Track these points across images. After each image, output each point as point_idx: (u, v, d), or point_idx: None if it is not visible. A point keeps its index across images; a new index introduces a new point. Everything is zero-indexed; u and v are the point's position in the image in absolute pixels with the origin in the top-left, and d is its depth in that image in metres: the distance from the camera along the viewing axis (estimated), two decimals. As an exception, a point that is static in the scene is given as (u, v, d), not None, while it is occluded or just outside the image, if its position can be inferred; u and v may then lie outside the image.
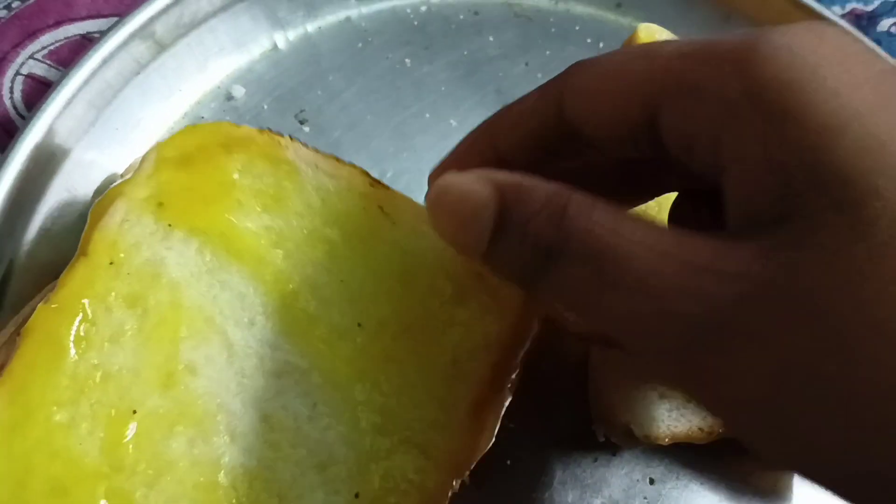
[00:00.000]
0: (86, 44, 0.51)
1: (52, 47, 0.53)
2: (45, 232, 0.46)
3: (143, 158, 0.40)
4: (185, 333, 0.37)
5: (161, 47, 0.51)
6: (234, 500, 0.35)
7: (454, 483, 0.37)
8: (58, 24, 0.53)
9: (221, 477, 0.36)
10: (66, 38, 0.53)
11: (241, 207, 0.39)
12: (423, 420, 0.38)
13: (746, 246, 0.25)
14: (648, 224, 0.27)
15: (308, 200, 0.40)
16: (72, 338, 0.36)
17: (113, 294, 0.37)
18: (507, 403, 0.39)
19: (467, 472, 0.38)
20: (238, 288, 0.38)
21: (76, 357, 0.36)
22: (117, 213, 0.38)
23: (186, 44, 0.52)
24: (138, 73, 0.51)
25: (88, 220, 0.39)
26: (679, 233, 0.27)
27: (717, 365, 0.26)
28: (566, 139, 0.32)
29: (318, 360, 0.37)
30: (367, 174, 0.41)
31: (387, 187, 0.41)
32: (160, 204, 0.39)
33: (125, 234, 0.38)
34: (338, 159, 0.40)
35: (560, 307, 0.31)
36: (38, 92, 0.50)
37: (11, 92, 0.51)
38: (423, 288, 0.40)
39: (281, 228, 0.39)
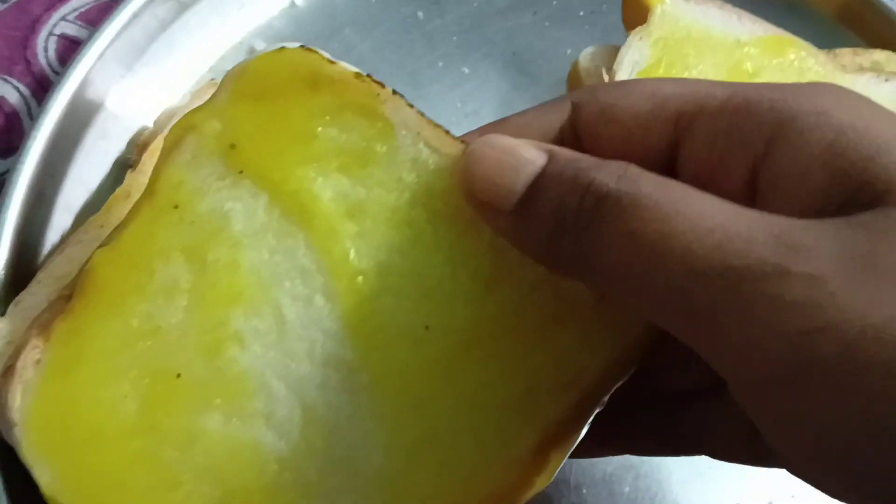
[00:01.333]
0: (113, 5, 0.53)
1: (82, 9, 0.56)
2: (80, 177, 0.49)
3: (221, 83, 0.36)
4: (239, 300, 0.35)
5: (183, 6, 0.55)
6: (259, 484, 0.34)
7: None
8: (86, -14, 0.56)
9: (250, 458, 0.34)
10: (94, 1, 0.56)
11: (319, 164, 0.35)
12: (475, 450, 0.35)
13: (823, 225, 0.25)
14: (712, 196, 0.26)
15: (399, 173, 0.35)
16: (129, 285, 0.35)
17: (173, 243, 0.35)
18: (577, 443, 0.36)
19: None
20: (302, 260, 0.35)
21: (131, 306, 0.35)
22: (187, 151, 0.36)
23: (208, 3, 0.56)
24: (163, 31, 0.54)
25: (161, 152, 0.36)
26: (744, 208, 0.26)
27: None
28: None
29: (371, 360, 0.35)
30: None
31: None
32: (232, 146, 0.35)
33: (193, 175, 0.35)
34: (448, 132, 0.35)
35: (593, 281, 0.30)
36: (70, 50, 0.54)
37: (46, 51, 0.54)
38: (513, 301, 0.34)
39: (361, 199, 0.35)
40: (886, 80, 0.53)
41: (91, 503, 0.34)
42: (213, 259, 0.35)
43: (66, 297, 0.36)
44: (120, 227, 0.36)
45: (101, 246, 0.36)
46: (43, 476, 0.34)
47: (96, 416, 0.34)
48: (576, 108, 0.32)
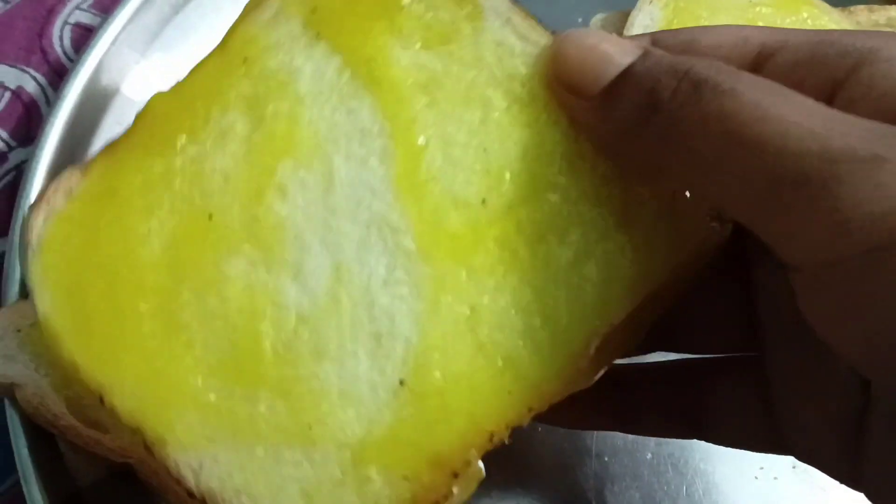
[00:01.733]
0: (126, -8, 0.54)
1: (95, -2, 0.56)
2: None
3: None
4: (291, 152, 0.34)
5: (196, -9, 0.55)
6: (271, 338, 0.32)
7: (528, 412, 0.32)
8: (100, -25, 0.57)
9: (268, 310, 0.33)
10: (108, -11, 0.57)
11: (400, 36, 0.35)
12: (518, 333, 0.32)
13: None
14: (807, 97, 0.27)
15: (482, 53, 0.34)
16: (180, 127, 0.34)
17: (235, 93, 0.35)
18: (625, 350, 0.34)
19: (536, 412, 0.32)
20: (364, 122, 0.34)
21: (177, 147, 0.34)
22: (268, 10, 0.36)
23: (221, -15, 0.56)
24: (176, 15, 0.54)
25: (242, 11, 0.37)
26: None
27: None
28: None
29: (419, 225, 0.33)
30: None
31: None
32: (314, 10, 0.35)
33: (268, 33, 0.36)
34: (539, 23, 0.35)
35: (674, 169, 0.29)
36: (85, 38, 0.54)
37: (62, 40, 0.55)
38: (577, 194, 0.33)
39: (437, 73, 0.34)
40: (903, 37, 0.52)
41: (85, 329, 0.33)
42: (273, 112, 0.34)
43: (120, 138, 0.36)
44: (184, 78, 0.36)
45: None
46: (43, 300, 0.33)
47: (117, 246, 0.33)
48: (655, 42, 0.33)
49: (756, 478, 0.47)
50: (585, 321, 0.32)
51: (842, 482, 0.32)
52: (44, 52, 0.55)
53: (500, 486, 0.46)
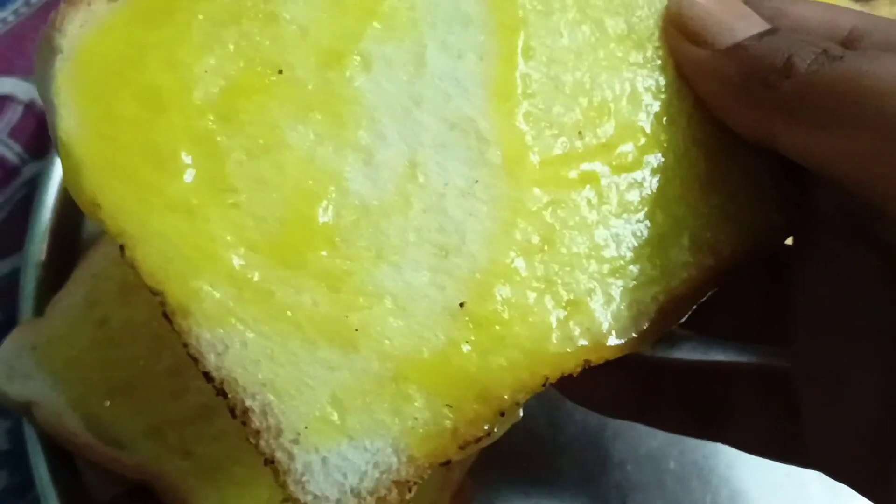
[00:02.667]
0: None
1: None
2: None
3: None
4: (383, 19, 0.30)
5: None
6: (327, 224, 0.29)
7: (583, 363, 0.30)
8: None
9: (329, 192, 0.29)
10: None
11: None
12: (589, 278, 0.30)
13: None
14: None
15: None
16: None
17: None
18: (699, 302, 0.33)
19: (589, 365, 0.30)
20: (468, 9, 0.31)
21: None
22: None
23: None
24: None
25: None
26: None
27: None
28: None
29: (508, 140, 0.30)
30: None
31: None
32: None
33: None
34: None
35: (793, 130, 0.29)
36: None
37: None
38: (669, 146, 0.32)
39: None
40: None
41: (113, 162, 0.28)
42: None
43: None
44: None
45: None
46: (67, 118, 0.28)
47: (165, 77, 0.28)
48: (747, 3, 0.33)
49: (782, 485, 0.46)
50: (653, 281, 0.31)
51: (869, 498, 0.32)
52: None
53: (522, 497, 0.45)
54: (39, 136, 0.52)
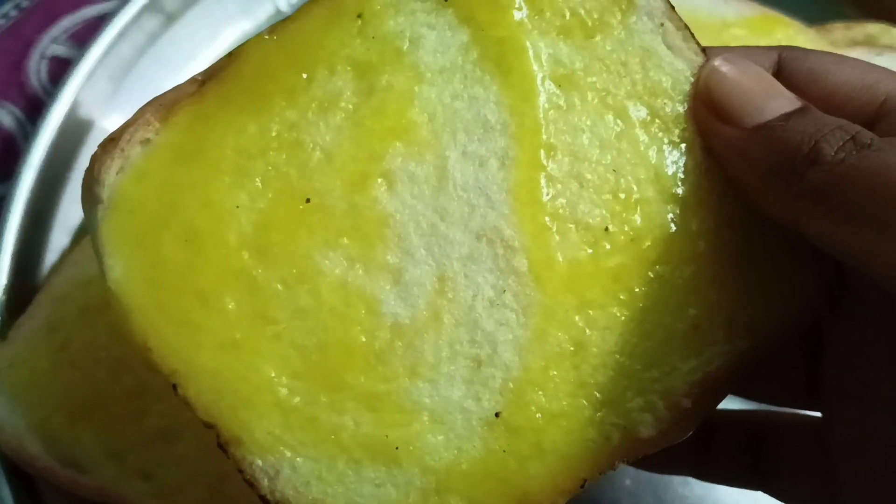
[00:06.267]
0: (102, 23, 0.54)
1: (73, 29, 0.56)
2: (77, 197, 0.49)
3: None
4: (402, 137, 0.31)
5: (171, 20, 0.54)
6: (363, 346, 0.30)
7: (615, 465, 0.31)
8: (77, 7, 0.57)
9: (362, 315, 0.30)
10: (84, 21, 0.57)
11: (540, 19, 0.31)
12: (622, 376, 0.31)
13: None
14: None
15: (626, 58, 0.32)
16: (281, 85, 0.30)
17: (345, 54, 0.31)
18: (718, 402, 0.33)
19: (632, 459, 0.31)
20: (488, 116, 0.31)
21: (276, 109, 0.30)
22: None
23: (195, 15, 0.55)
24: (152, 46, 0.54)
25: None
26: None
27: None
28: None
29: (535, 245, 0.31)
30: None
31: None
32: None
33: None
34: (692, 35, 0.32)
35: (818, 216, 0.28)
36: (62, 71, 0.53)
37: (38, 74, 0.54)
38: (703, 229, 0.31)
39: (574, 70, 0.31)
40: (879, 55, 0.52)
41: (160, 307, 0.29)
42: (386, 84, 0.31)
43: (199, 81, 0.31)
44: (287, 21, 0.32)
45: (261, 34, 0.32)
46: (114, 267, 0.29)
47: (201, 218, 0.30)
48: (782, 61, 0.32)
49: (736, 501, 0.47)
50: (689, 370, 0.31)
51: None
52: (21, 85, 0.54)
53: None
54: (4, 159, 0.52)
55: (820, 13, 0.56)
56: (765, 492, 0.38)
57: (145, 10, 0.52)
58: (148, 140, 0.30)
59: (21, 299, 0.45)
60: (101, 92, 0.51)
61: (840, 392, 0.33)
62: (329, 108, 0.31)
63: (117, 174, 0.30)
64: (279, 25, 0.31)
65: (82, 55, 0.51)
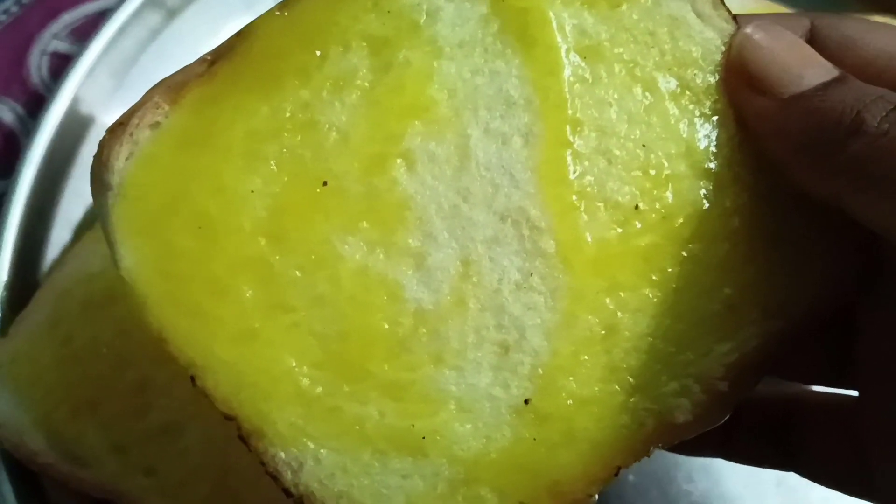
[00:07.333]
0: (103, 18, 0.54)
1: (74, 25, 0.56)
2: (78, 192, 0.49)
3: None
4: (421, 116, 0.29)
5: (172, 15, 0.54)
6: (385, 334, 0.29)
7: (649, 451, 0.30)
8: (78, 2, 0.56)
9: (384, 302, 0.29)
10: (85, 16, 0.56)
11: None
12: (655, 359, 0.30)
13: None
14: None
15: (654, 27, 0.30)
16: (293, 64, 0.29)
17: (360, 29, 0.29)
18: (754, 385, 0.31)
19: (666, 446, 0.30)
20: (510, 91, 0.30)
21: (288, 89, 0.29)
22: None
23: (196, 10, 0.55)
24: (153, 41, 0.54)
25: None
26: None
27: None
28: None
29: (562, 226, 0.29)
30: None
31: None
32: None
33: None
34: (724, 5, 0.31)
35: (857, 188, 0.27)
36: (63, 67, 0.53)
37: (40, 70, 0.54)
38: (736, 206, 0.30)
39: (600, 42, 0.30)
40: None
41: (175, 297, 0.29)
42: (403, 60, 0.29)
43: (209, 61, 0.30)
44: None
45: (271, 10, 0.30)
46: (126, 257, 0.28)
47: (214, 203, 0.29)
48: (815, 28, 0.31)
49: (741, 496, 0.46)
50: (725, 352, 0.30)
51: None
52: (22, 81, 0.54)
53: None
54: (5, 154, 0.52)
55: (824, 6, 0.56)
56: (795, 472, 0.37)
57: (146, 5, 0.52)
58: (157, 123, 0.29)
59: (22, 295, 0.45)
60: (102, 87, 0.51)
61: (875, 373, 0.32)
62: (344, 86, 0.29)
63: (126, 160, 0.29)
64: (290, 1, 0.30)
65: (83, 51, 0.51)
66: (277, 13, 0.30)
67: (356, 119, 0.29)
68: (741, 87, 0.30)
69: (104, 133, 0.29)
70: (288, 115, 0.29)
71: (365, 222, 0.29)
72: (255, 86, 0.29)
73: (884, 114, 0.26)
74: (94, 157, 0.29)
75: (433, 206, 0.29)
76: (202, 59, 0.30)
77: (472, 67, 0.30)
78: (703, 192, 0.30)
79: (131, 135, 0.29)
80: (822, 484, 0.36)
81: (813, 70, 0.28)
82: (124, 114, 0.29)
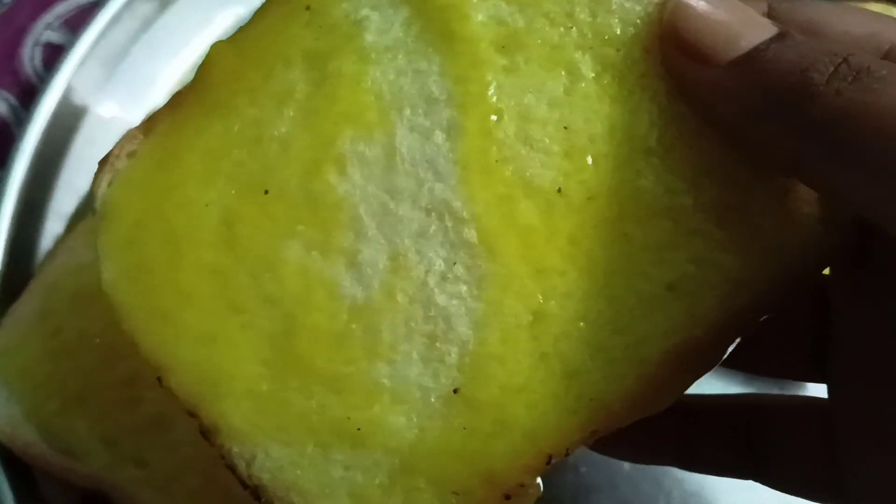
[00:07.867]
0: (96, 9, 0.54)
1: (66, 15, 0.56)
2: (71, 184, 0.50)
3: None
4: (352, 120, 0.31)
5: (164, 5, 0.54)
6: (324, 330, 0.30)
7: (591, 434, 0.29)
8: (70, -8, 0.57)
9: (322, 299, 0.30)
10: (77, 7, 0.57)
11: None
12: (586, 345, 0.29)
13: None
14: None
15: (572, 8, 0.30)
16: (242, 85, 0.32)
17: (297, 46, 0.31)
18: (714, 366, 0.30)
19: (599, 436, 0.29)
20: (432, 87, 0.30)
21: (238, 108, 0.31)
22: None
23: (188, 0, 0.55)
24: (146, 31, 0.54)
25: None
26: None
27: None
28: None
29: (484, 215, 0.30)
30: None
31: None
32: None
33: None
34: None
35: (817, 152, 0.25)
36: (56, 57, 0.53)
37: (32, 60, 0.54)
38: (671, 181, 0.29)
39: (518, 30, 0.30)
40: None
41: (145, 305, 0.31)
42: (335, 70, 0.31)
43: (178, 93, 0.33)
44: (247, 25, 0.33)
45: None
46: (107, 271, 0.31)
47: (178, 219, 0.31)
48: (773, 11, 0.29)
49: (735, 486, 0.46)
50: (663, 335, 0.29)
51: None
52: (15, 72, 0.54)
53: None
54: (-2, 147, 0.53)
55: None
56: (758, 480, 0.35)
57: (138, -6, 0.53)
58: (133, 152, 0.32)
59: (15, 287, 0.46)
60: (94, 78, 0.52)
61: (850, 367, 0.30)
62: (284, 100, 0.31)
63: (108, 185, 0.32)
64: (240, 30, 0.33)
65: (76, 41, 0.51)
66: (227, 40, 0.33)
67: (295, 129, 0.31)
68: (677, 57, 0.28)
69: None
70: (237, 131, 0.31)
71: (303, 225, 0.31)
72: (213, 109, 0.32)
73: (832, 70, 0.24)
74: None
75: (363, 205, 0.30)
76: (179, 91, 0.33)
77: (397, 69, 0.31)
78: (633, 170, 0.29)
79: (112, 164, 0.32)
80: (788, 492, 0.34)
81: (752, 30, 0.26)
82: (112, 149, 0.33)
